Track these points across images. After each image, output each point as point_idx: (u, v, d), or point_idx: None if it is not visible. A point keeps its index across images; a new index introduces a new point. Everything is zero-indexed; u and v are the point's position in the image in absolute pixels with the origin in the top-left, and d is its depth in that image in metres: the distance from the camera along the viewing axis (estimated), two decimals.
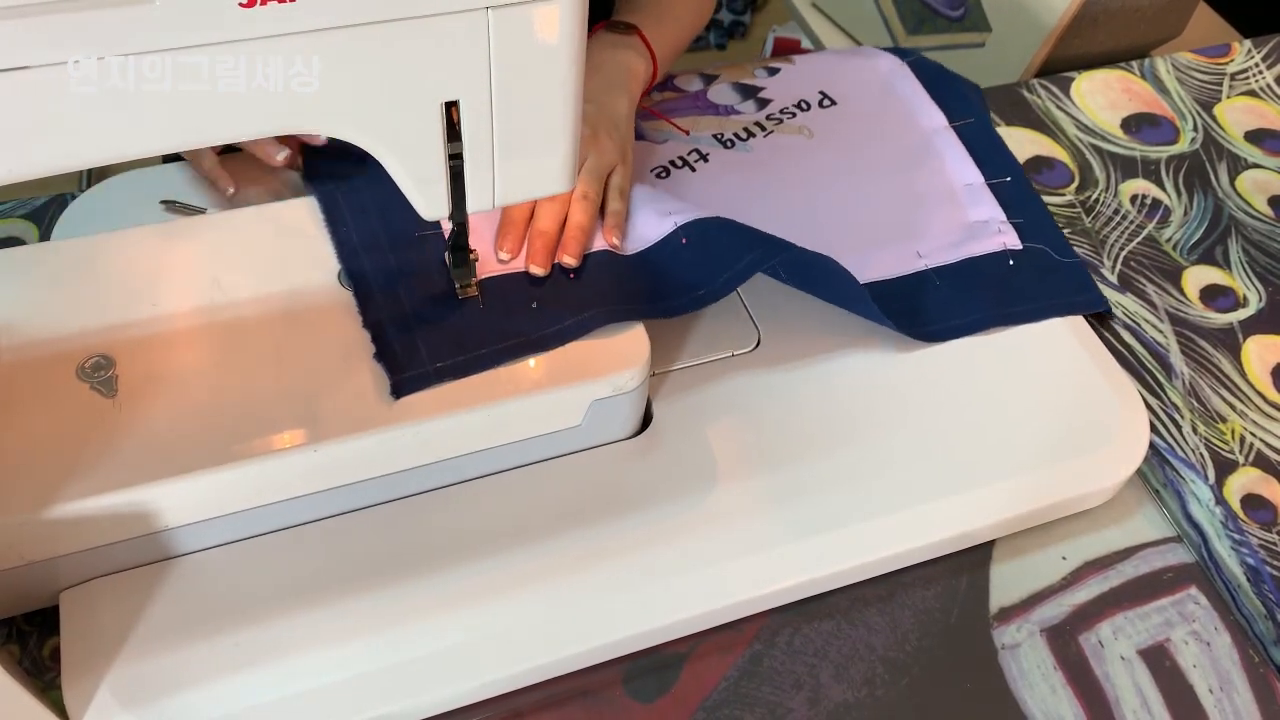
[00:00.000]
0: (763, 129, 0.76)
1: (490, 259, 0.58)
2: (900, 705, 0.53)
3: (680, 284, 0.59)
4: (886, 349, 0.64)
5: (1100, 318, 0.69)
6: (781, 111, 0.77)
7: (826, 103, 0.78)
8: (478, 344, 0.54)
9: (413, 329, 0.55)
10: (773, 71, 0.81)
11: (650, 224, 0.62)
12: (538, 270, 0.58)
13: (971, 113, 0.78)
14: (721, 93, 0.79)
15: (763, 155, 0.74)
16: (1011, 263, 0.68)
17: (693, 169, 0.72)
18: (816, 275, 0.61)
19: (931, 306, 0.65)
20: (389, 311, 0.55)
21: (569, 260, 0.59)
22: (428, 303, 0.56)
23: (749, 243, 0.60)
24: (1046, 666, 0.55)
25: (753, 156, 0.74)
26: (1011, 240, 0.69)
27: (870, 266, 0.66)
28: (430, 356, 0.53)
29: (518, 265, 0.58)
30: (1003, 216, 0.70)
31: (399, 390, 0.52)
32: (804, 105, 0.78)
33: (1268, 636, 0.56)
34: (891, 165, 0.74)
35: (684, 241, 0.60)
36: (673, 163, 0.73)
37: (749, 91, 0.79)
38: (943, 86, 0.80)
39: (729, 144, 0.74)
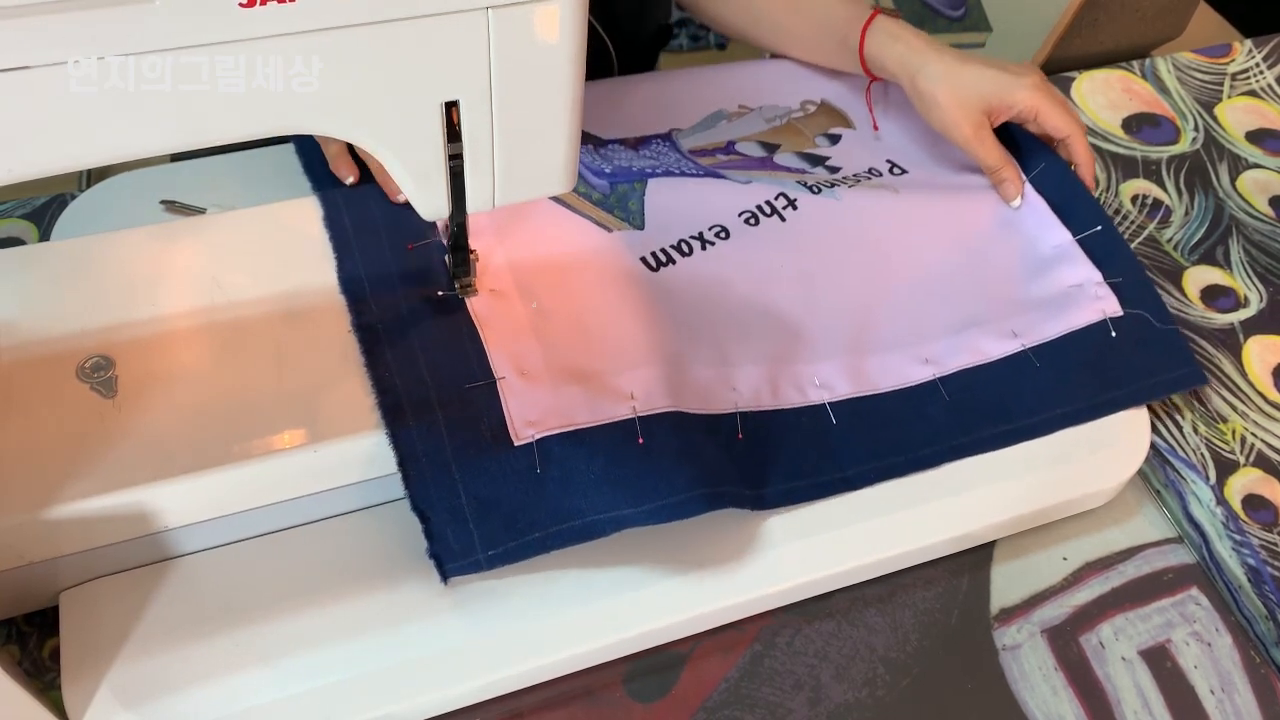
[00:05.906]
0: (846, 182, 0.70)
1: (551, 414, 0.53)
2: (901, 706, 0.53)
3: (739, 475, 0.55)
4: None
5: None
6: (854, 175, 0.72)
7: (897, 170, 0.73)
8: (531, 525, 0.51)
9: (463, 504, 0.51)
10: (834, 139, 0.75)
11: (715, 390, 0.58)
12: None
13: (1044, 158, 0.70)
14: (788, 159, 0.73)
15: (851, 207, 0.68)
16: (1114, 334, 0.62)
17: (782, 218, 0.67)
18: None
19: (1031, 394, 0.60)
20: (434, 478, 0.51)
21: None
22: (480, 470, 0.52)
23: (804, 470, 0.57)
24: (1047, 667, 0.55)
25: (841, 206, 0.68)
26: (1111, 306, 0.63)
27: (963, 350, 0.61)
28: (483, 542, 0.50)
29: (578, 421, 0.53)
30: (1098, 277, 0.64)
31: (447, 577, 0.50)
32: (875, 173, 0.72)
33: (1269, 637, 0.56)
34: (976, 230, 0.68)
35: (739, 437, 0.56)
36: (760, 208, 0.67)
37: (815, 160, 0.73)
38: (1005, 134, 0.72)
39: (816, 190, 0.69)
